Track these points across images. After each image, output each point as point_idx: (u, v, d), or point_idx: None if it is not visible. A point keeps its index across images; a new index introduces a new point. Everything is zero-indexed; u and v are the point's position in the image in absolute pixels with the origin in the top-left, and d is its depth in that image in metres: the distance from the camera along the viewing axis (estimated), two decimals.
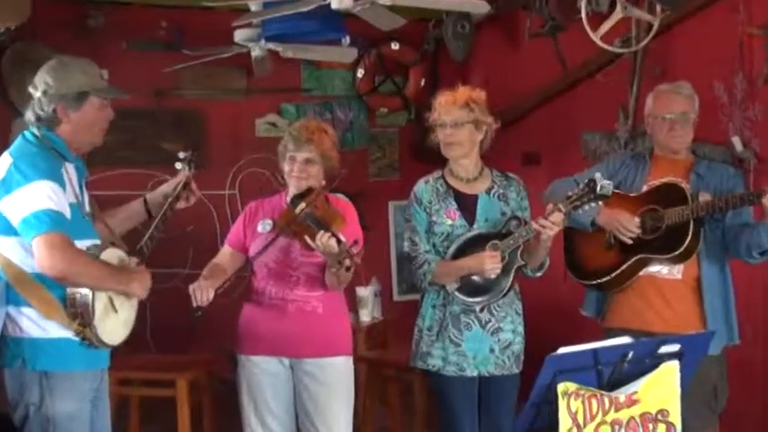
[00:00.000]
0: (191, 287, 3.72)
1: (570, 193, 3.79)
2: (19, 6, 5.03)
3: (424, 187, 4.13)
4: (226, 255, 4.08)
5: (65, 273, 3.08)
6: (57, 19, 6.02)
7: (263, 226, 4.02)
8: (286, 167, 4.00)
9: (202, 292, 3.69)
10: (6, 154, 3.27)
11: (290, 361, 3.97)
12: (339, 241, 3.60)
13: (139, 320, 3.48)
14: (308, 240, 3.67)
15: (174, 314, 6.02)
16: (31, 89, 3.35)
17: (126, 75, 5.98)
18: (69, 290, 3.16)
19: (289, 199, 3.99)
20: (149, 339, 6.00)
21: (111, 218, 3.65)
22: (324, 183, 4.01)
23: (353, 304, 5.87)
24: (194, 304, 3.69)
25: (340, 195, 4.49)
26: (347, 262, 3.56)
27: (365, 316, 6.09)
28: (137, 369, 5.23)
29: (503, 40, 6.66)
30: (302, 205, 3.83)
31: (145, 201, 3.79)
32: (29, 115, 3.34)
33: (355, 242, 3.62)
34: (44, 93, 3.30)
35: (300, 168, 3.96)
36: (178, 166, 3.89)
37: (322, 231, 3.63)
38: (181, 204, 3.82)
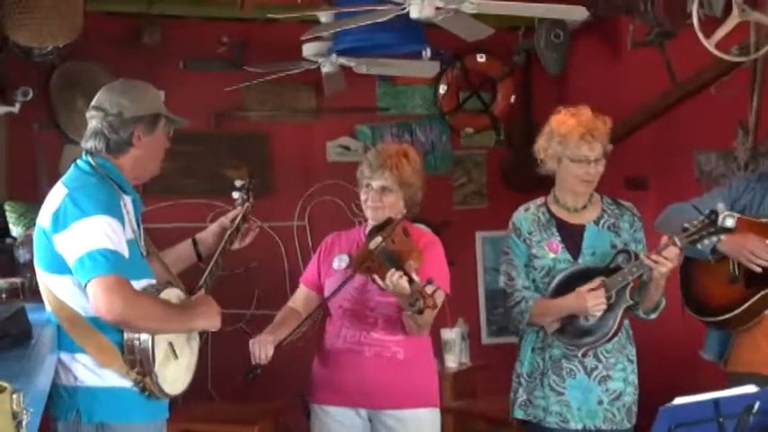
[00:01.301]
0: (251, 342, 3.76)
1: (687, 226, 3.74)
2: (69, 22, 5.15)
3: (524, 216, 4.10)
4: (300, 296, 4.11)
5: (124, 317, 3.10)
6: (109, 36, 6.17)
7: (339, 262, 4.04)
8: (362, 196, 4.02)
9: (260, 349, 3.72)
10: (60, 184, 3.30)
11: (367, 412, 3.96)
12: (411, 280, 3.58)
13: (200, 367, 3.51)
14: (378, 279, 3.66)
15: (237, 359, 6.09)
16: (93, 112, 3.38)
17: (183, 95, 6.09)
18: (127, 335, 3.19)
19: (367, 232, 4.00)
20: (211, 387, 6.06)
21: (164, 256, 3.68)
22: (405, 212, 4.01)
23: (438, 348, 5.86)
24: (253, 362, 3.72)
25: (423, 227, 4.49)
26: (419, 304, 3.54)
27: (451, 361, 6.07)
28: (198, 420, 5.28)
29: (602, 49, 6.63)
30: (377, 239, 3.82)
31: (194, 241, 3.83)
32: (91, 142, 3.36)
33: (429, 281, 3.59)
34: (118, 115, 3.33)
35: (375, 197, 3.97)
36: (235, 195, 3.94)
37: (393, 270, 3.62)
38: (237, 242, 3.86)
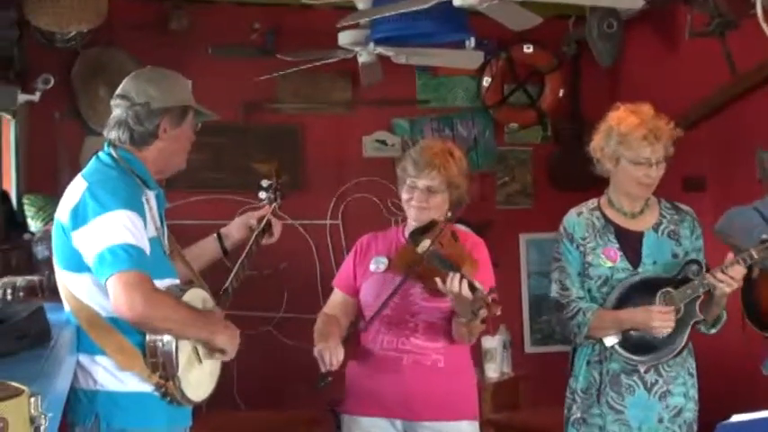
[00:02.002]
0: (316, 350, 3.76)
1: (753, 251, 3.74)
2: (93, 6, 5.18)
3: (577, 220, 4.08)
4: (336, 302, 4.11)
5: (145, 316, 3.11)
6: (134, 21, 6.20)
7: (377, 264, 4.03)
8: (404, 195, 4.00)
9: (331, 354, 3.72)
10: (80, 177, 3.32)
11: (403, 424, 3.95)
12: (474, 287, 3.58)
13: (225, 372, 3.52)
14: (439, 284, 3.65)
15: (265, 365, 6.13)
16: (117, 101, 3.40)
17: (211, 84, 6.05)
18: (150, 337, 3.20)
19: (407, 233, 4.00)
20: (236, 394, 6.08)
21: (187, 253, 3.70)
22: (449, 214, 4.01)
23: (478, 357, 5.86)
24: (322, 369, 3.72)
25: (464, 227, 4.48)
26: (482, 312, 3.54)
27: (492, 371, 6.06)
28: (223, 429, 5.29)
29: (658, 40, 6.59)
30: (426, 243, 3.82)
31: (219, 236, 3.85)
32: (114, 133, 3.38)
33: (492, 290, 3.60)
34: (145, 105, 3.35)
35: (421, 198, 3.95)
36: (262, 195, 3.96)
37: (452, 273, 3.61)
38: (265, 241, 3.88)
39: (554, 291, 4.07)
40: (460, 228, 4.22)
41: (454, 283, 3.58)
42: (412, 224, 4.00)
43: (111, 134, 3.39)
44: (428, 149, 3.99)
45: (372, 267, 4.03)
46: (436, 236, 3.84)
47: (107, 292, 3.14)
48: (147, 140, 3.37)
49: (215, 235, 3.85)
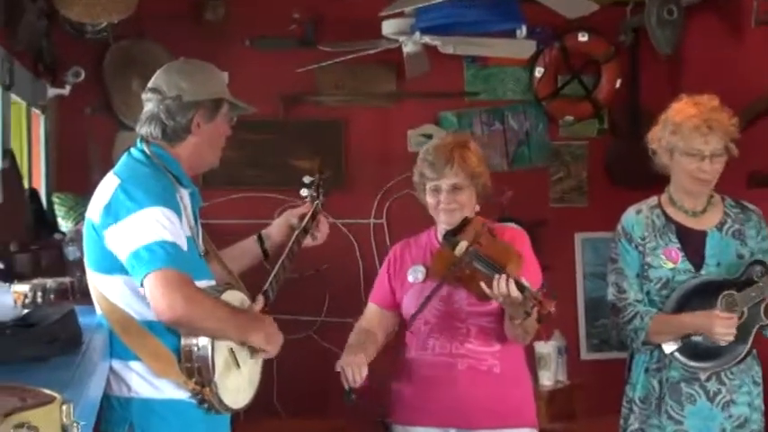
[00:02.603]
0: (338, 363, 3.74)
1: None
2: None
3: (636, 219, 4.06)
4: (373, 316, 4.09)
5: (187, 317, 3.12)
6: (168, 11, 6.23)
7: (415, 274, 4.01)
8: (430, 200, 3.97)
9: (354, 371, 3.70)
10: (112, 174, 3.33)
11: None
12: (522, 287, 3.57)
13: (265, 379, 3.53)
14: (484, 287, 3.63)
15: (306, 371, 6.14)
16: (149, 95, 3.42)
17: (249, 77, 6.15)
18: (185, 341, 3.21)
19: (440, 237, 3.99)
20: (276, 402, 6.11)
21: (224, 255, 3.72)
22: (478, 208, 4.00)
23: (531, 364, 5.83)
24: (345, 386, 3.70)
25: (513, 225, 4.48)
26: (535, 311, 3.53)
27: (546, 379, 6.04)
28: None
29: (721, 27, 6.53)
30: (463, 244, 3.81)
31: (260, 237, 3.84)
32: (146, 128, 3.40)
33: (543, 287, 3.58)
34: (176, 98, 3.36)
35: (449, 198, 3.93)
36: (304, 192, 3.96)
37: (497, 275, 3.60)
38: (309, 241, 3.89)
39: (610, 293, 4.05)
40: (505, 225, 4.19)
41: (501, 285, 3.56)
42: (443, 228, 3.98)
43: (143, 129, 3.41)
44: (441, 147, 3.96)
45: (411, 278, 4.01)
46: (473, 235, 3.83)
47: (140, 295, 3.17)
48: (180, 135, 3.39)
49: (255, 236, 3.84)
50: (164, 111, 3.38)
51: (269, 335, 3.42)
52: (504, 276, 3.56)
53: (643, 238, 4.00)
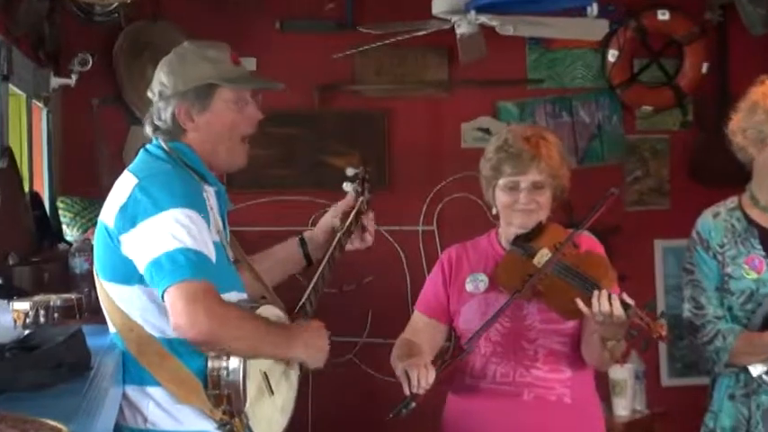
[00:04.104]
0: (400, 367, 3.73)
1: None
2: None
3: (713, 223, 4.04)
4: (420, 328, 4.09)
5: (214, 335, 3.11)
6: None
7: (475, 283, 4.01)
8: (504, 199, 3.96)
9: (420, 373, 3.68)
10: (128, 173, 3.36)
11: None
12: (626, 305, 3.55)
13: (299, 407, 3.55)
14: (581, 305, 3.60)
15: (345, 399, 6.16)
16: (149, 93, 3.49)
17: (280, 64, 6.17)
18: (212, 363, 3.22)
19: (503, 241, 3.98)
20: None
21: (258, 263, 3.72)
22: (549, 213, 3.99)
23: (604, 391, 5.82)
24: (407, 391, 3.68)
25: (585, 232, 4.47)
26: (643, 336, 3.51)
27: (622, 408, 6.03)
28: None
29: None
30: (544, 252, 3.80)
31: (302, 241, 3.85)
32: (147, 128, 3.48)
33: (646, 306, 3.56)
34: (160, 95, 3.43)
35: (528, 198, 3.93)
36: (347, 187, 3.94)
37: (596, 291, 3.58)
38: (354, 244, 3.88)
39: (686, 310, 4.05)
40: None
41: (603, 302, 3.53)
42: (512, 231, 3.97)
43: (146, 131, 3.49)
44: (522, 138, 3.94)
45: (470, 288, 4.00)
46: (551, 243, 3.82)
47: (163, 309, 3.17)
48: (176, 134, 3.42)
49: (296, 239, 3.85)
50: (155, 111, 3.45)
51: (314, 347, 3.42)
52: (605, 292, 3.54)
53: (722, 246, 3.98)
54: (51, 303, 3.87)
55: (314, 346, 3.42)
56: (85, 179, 5.77)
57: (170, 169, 3.33)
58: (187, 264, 3.11)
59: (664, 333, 3.48)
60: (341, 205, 3.88)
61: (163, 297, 3.13)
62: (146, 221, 3.19)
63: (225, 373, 3.21)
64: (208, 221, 3.27)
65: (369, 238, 3.89)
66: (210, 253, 3.20)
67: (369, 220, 3.89)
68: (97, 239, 3.37)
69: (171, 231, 3.15)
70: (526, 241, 3.88)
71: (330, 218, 3.87)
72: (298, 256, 3.83)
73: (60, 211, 5.49)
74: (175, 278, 3.10)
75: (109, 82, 6.29)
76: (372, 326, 6.42)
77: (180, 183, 3.27)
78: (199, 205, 3.26)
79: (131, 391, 3.30)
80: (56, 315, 3.91)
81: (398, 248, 6.57)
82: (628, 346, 3.86)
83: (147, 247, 3.17)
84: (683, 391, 6.61)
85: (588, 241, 4.05)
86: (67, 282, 4.44)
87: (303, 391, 3.55)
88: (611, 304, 3.51)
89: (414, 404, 3.65)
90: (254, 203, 6.32)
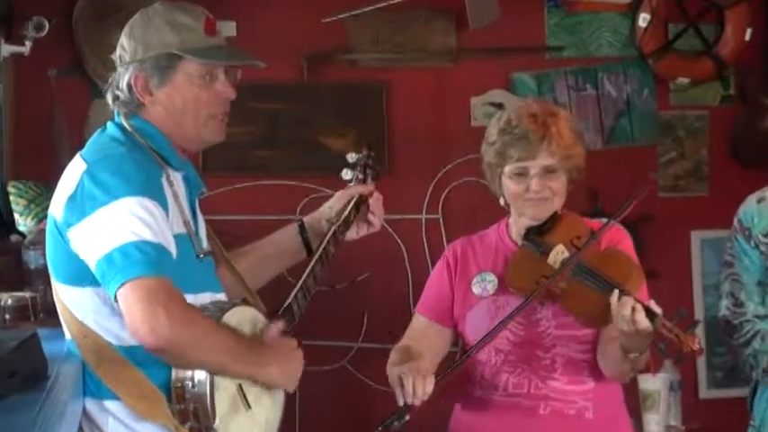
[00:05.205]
0: (394, 373, 3.74)
1: None
2: None
3: (757, 209, 4.06)
4: (421, 332, 4.11)
5: (173, 342, 3.10)
6: None
7: (483, 285, 4.02)
8: (513, 187, 3.97)
9: (416, 381, 3.68)
10: (78, 158, 3.37)
11: None
12: (652, 313, 3.55)
13: (286, 420, 3.55)
14: (599, 310, 3.61)
15: (338, 410, 6.16)
16: (113, 56, 3.52)
17: (262, 30, 6.17)
18: (176, 374, 3.22)
19: (514, 235, 3.98)
20: None
21: (242, 258, 3.74)
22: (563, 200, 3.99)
23: (634, 404, 5.83)
24: (400, 402, 3.69)
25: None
26: (672, 349, 3.52)
27: (655, 424, 6.04)
28: None
29: None
30: (559, 248, 3.81)
31: (301, 227, 3.87)
32: (108, 97, 3.50)
33: (679, 312, 3.56)
34: (120, 60, 3.46)
35: (540, 184, 3.93)
36: (346, 175, 3.95)
37: (621, 296, 3.58)
38: (352, 234, 3.89)
39: (724, 307, 4.07)
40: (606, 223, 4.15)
41: (625, 309, 3.54)
42: (523, 223, 3.97)
43: (108, 99, 3.51)
44: (527, 116, 3.95)
45: (477, 290, 4.01)
46: (568, 236, 3.81)
47: (119, 313, 3.16)
48: (130, 106, 3.44)
49: (295, 226, 3.86)
50: (115, 78, 3.47)
51: (287, 367, 3.42)
52: (630, 299, 3.54)
53: (766, 235, 4.00)
54: (2, 303, 3.89)
55: (288, 368, 3.42)
56: (41, 161, 5.75)
57: (124, 152, 3.33)
58: (143, 259, 3.10)
59: (696, 347, 3.48)
60: (341, 195, 3.91)
61: (116, 298, 3.11)
62: (95, 213, 3.18)
63: (190, 384, 3.20)
64: (167, 211, 3.26)
65: (376, 221, 3.92)
66: (170, 246, 3.20)
67: (376, 200, 3.91)
68: (47, 234, 3.38)
69: (124, 223, 3.14)
70: (539, 234, 3.88)
71: (332, 204, 3.91)
72: (296, 244, 3.85)
73: (12, 198, 5.48)
74: (129, 275, 3.09)
75: (68, 50, 6.28)
76: (368, 329, 6.41)
77: (134, 167, 3.26)
78: (155, 193, 3.25)
79: (90, 404, 3.32)
80: (7, 316, 3.93)
81: (398, 240, 6.57)
82: (657, 358, 3.85)
83: (97, 241, 3.16)
84: (722, 404, 6.62)
85: (612, 234, 4.04)
86: (20, 278, 4.44)
87: (290, 402, 3.56)
88: (635, 313, 3.51)
89: (408, 416, 3.65)
90: (233, 189, 6.31)
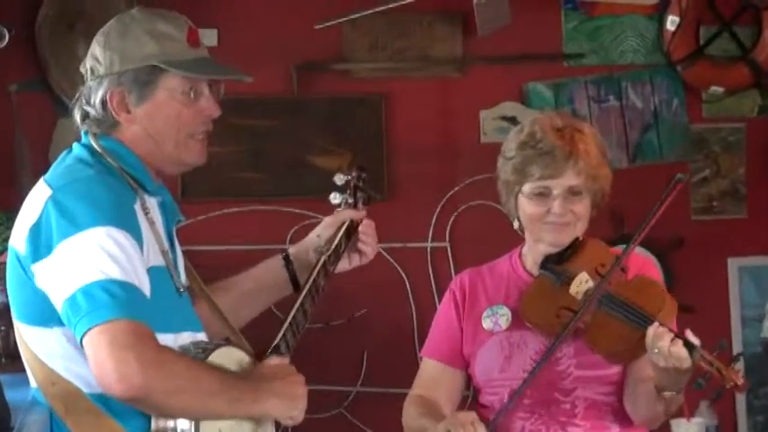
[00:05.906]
0: (441, 428, 3.73)
1: None
2: None
3: None
4: (433, 378, 4.10)
5: (146, 389, 3.07)
6: None
7: (494, 318, 4.01)
8: (530, 210, 3.96)
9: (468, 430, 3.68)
10: (42, 183, 3.35)
11: None
12: (691, 346, 3.54)
13: None
14: (655, 356, 3.60)
15: None
16: (81, 68, 3.48)
17: (248, 37, 6.18)
18: (156, 423, 3.20)
19: (537, 265, 3.98)
20: None
21: (222, 293, 3.73)
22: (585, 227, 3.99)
23: None
24: None
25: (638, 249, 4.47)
26: (715, 384, 3.52)
27: None
28: None
29: None
30: (583, 277, 3.80)
31: (286, 260, 3.86)
32: (75, 115, 3.45)
33: (722, 344, 3.56)
34: (92, 72, 3.42)
35: (563, 207, 3.93)
36: (335, 199, 3.95)
37: (655, 328, 3.57)
38: (345, 265, 3.89)
39: (766, 329, 4.06)
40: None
41: (662, 342, 3.54)
42: (540, 250, 3.96)
43: (75, 117, 3.46)
44: (552, 130, 3.93)
45: (488, 324, 3.99)
46: (591, 265, 3.80)
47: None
48: (102, 125, 3.40)
49: (280, 258, 3.85)
50: (86, 92, 3.42)
51: (288, 397, 3.37)
52: (665, 331, 3.53)
53: None
54: None
55: (287, 396, 3.37)
56: (0, 187, 5.76)
57: (93, 175, 3.29)
58: (110, 301, 3.07)
59: (740, 382, 3.47)
60: (329, 222, 3.89)
61: (82, 344, 3.09)
62: (60, 245, 3.15)
63: None
64: (141, 243, 3.23)
65: (369, 251, 3.90)
66: (143, 284, 3.17)
67: (367, 227, 3.91)
68: (9, 269, 3.35)
69: (90, 259, 3.11)
70: (559, 263, 3.87)
71: (319, 232, 3.89)
72: (282, 278, 3.83)
73: None
74: (94, 320, 3.06)
75: (30, 62, 6.30)
76: (368, 371, 6.41)
77: (104, 191, 3.23)
78: (128, 223, 3.22)
79: None
80: None
81: (401, 271, 6.57)
82: (692, 400, 3.85)
83: (62, 280, 3.13)
84: None
85: (639, 261, 4.06)
86: None
87: None
88: (672, 346, 3.50)
89: None
90: (214, 216, 6.31)
